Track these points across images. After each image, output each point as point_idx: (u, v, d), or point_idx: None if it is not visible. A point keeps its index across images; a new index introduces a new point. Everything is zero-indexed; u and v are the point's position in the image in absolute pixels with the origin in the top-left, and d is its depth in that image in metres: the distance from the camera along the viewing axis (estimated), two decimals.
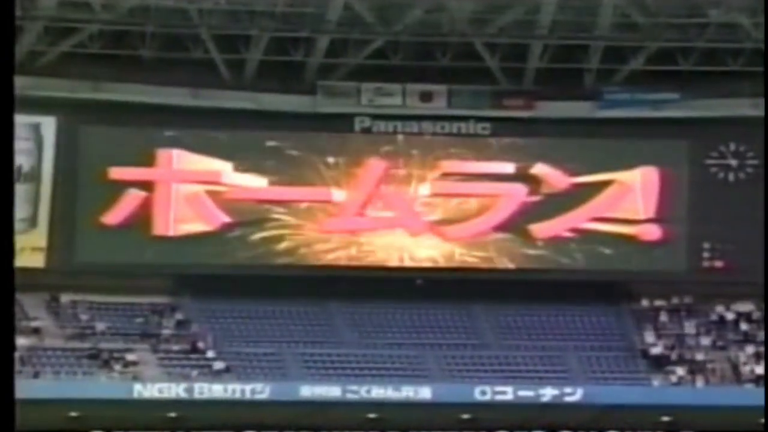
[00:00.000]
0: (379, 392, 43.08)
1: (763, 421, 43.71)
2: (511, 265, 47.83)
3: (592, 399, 43.26)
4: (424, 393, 43.37)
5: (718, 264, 48.13)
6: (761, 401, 43.04)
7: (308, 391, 42.68)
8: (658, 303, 48.61)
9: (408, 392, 43.27)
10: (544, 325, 47.35)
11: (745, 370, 45.54)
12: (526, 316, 47.49)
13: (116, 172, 46.06)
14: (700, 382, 45.39)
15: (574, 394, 43.48)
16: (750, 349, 46.42)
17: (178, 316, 46.28)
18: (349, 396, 42.90)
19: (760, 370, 45.21)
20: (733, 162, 48.21)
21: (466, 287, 47.23)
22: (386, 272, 47.48)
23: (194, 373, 43.55)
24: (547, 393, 43.44)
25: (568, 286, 47.00)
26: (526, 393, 43.53)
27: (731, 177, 48.20)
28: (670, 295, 48.65)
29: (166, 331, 45.48)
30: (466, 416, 44.15)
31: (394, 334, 46.77)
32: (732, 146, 48.22)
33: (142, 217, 46.47)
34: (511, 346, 46.59)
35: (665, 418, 43.96)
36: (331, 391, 42.82)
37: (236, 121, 46.42)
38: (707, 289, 47.86)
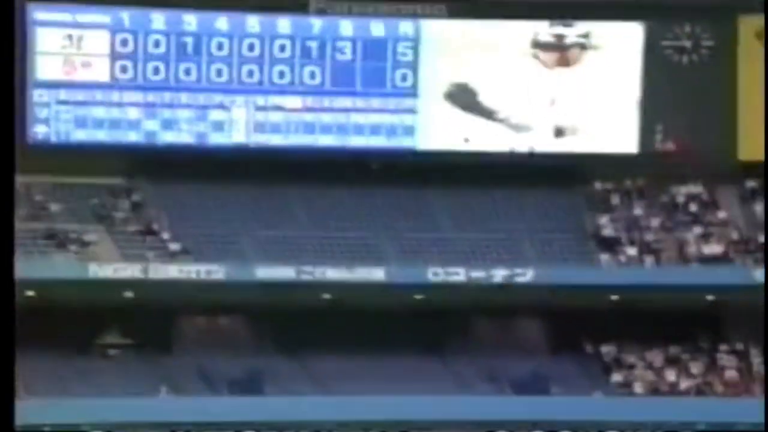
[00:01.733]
0: (333, 274, 43.71)
1: (710, 297, 45.23)
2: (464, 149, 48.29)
3: (542, 279, 44.07)
4: (378, 274, 44.04)
5: (670, 146, 48.86)
6: (706, 280, 44.45)
7: (263, 272, 43.23)
8: (610, 185, 49.42)
9: (362, 273, 43.93)
10: (497, 208, 48.09)
11: (693, 250, 46.64)
12: (478, 199, 48.15)
13: None
14: (649, 263, 46.44)
15: (525, 275, 44.27)
16: (698, 230, 47.51)
17: (134, 197, 46.54)
18: (304, 277, 43.51)
19: (707, 250, 46.38)
20: (687, 44, 48.61)
21: (422, 170, 47.75)
22: (341, 155, 47.81)
23: (150, 254, 43.99)
24: (499, 274, 44.18)
25: (521, 169, 47.61)
26: (478, 274, 44.32)
27: (685, 59, 48.66)
28: (622, 178, 49.43)
29: (121, 213, 45.77)
30: (419, 297, 45.07)
31: (349, 217, 47.28)
32: (687, 28, 48.56)
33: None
34: (463, 228, 47.28)
35: (614, 298, 45.16)
36: (285, 272, 43.36)
37: None
38: (659, 172, 48.65)
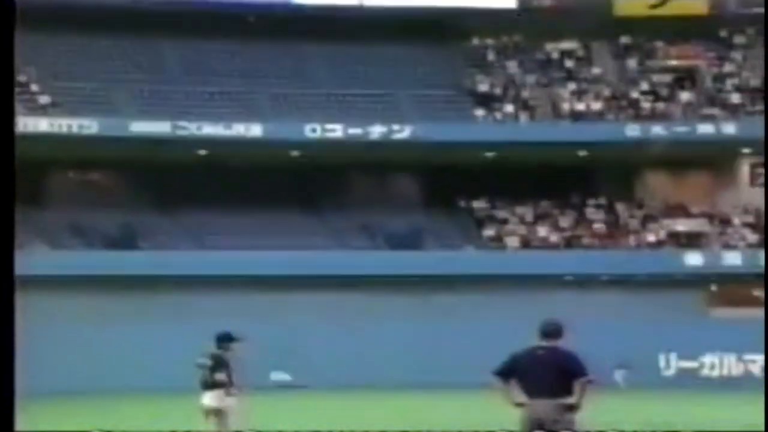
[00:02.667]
0: (209, 129, 43.55)
1: (582, 153, 46.25)
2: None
3: (420, 136, 44.55)
4: (255, 130, 43.99)
5: (547, 2, 49.30)
6: (579, 137, 45.42)
7: (137, 126, 42.84)
8: (488, 41, 49.86)
9: (238, 129, 43.86)
10: (375, 63, 48.20)
11: (566, 107, 47.59)
12: (356, 54, 48.17)
13: None
14: (523, 119, 47.26)
15: (403, 132, 44.73)
16: (572, 86, 48.44)
17: None
18: (179, 132, 43.27)
19: (579, 107, 47.38)
20: None
21: (299, 25, 47.45)
22: (217, 7, 47.16)
23: (19, 107, 43.14)
24: (376, 130, 44.56)
25: (399, 22, 47.63)
26: (355, 130, 44.60)
27: None
28: (500, 34, 49.88)
29: None
30: (296, 153, 45.30)
31: (225, 71, 46.89)
32: None
33: None
34: (341, 84, 47.37)
35: (489, 154, 46.00)
36: (160, 127, 43.04)
37: None
38: (536, 28, 49.17)
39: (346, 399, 32.28)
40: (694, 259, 43.89)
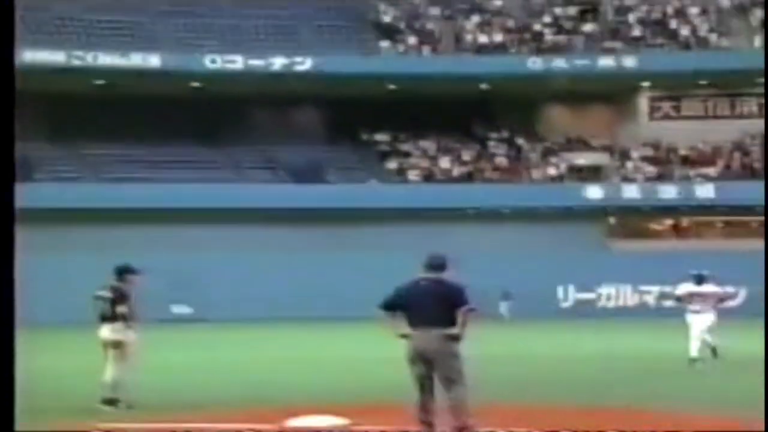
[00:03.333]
0: (105, 59, 43.20)
1: (484, 86, 46.85)
2: None
3: (322, 68, 44.65)
4: (153, 61, 43.72)
5: None
6: (481, 70, 45.97)
7: (30, 56, 42.20)
8: None
9: (136, 60, 43.55)
10: None
11: (469, 39, 48.03)
12: None
13: None
14: (426, 51, 47.61)
15: (305, 64, 44.81)
16: (476, 18, 48.85)
17: None
18: (75, 62, 42.86)
19: (483, 39, 47.86)
20: None
21: None
22: None
23: None
24: (278, 62, 44.59)
25: None
26: (256, 62, 44.56)
27: None
28: None
29: None
30: (196, 85, 45.16)
31: (123, 0, 46.40)
32: None
33: None
34: (243, 14, 47.16)
35: (391, 87, 46.36)
36: (55, 57, 42.57)
37: None
38: None
39: (248, 332, 32.72)
40: (593, 192, 44.99)
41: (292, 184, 45.24)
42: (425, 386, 10.47)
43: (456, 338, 10.41)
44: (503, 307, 40.33)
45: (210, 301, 40.21)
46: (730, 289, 21.53)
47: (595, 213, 44.96)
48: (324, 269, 41.63)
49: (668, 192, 44.69)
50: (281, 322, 35.88)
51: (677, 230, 47.41)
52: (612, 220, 46.41)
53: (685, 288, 20.88)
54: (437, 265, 10.70)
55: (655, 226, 47.56)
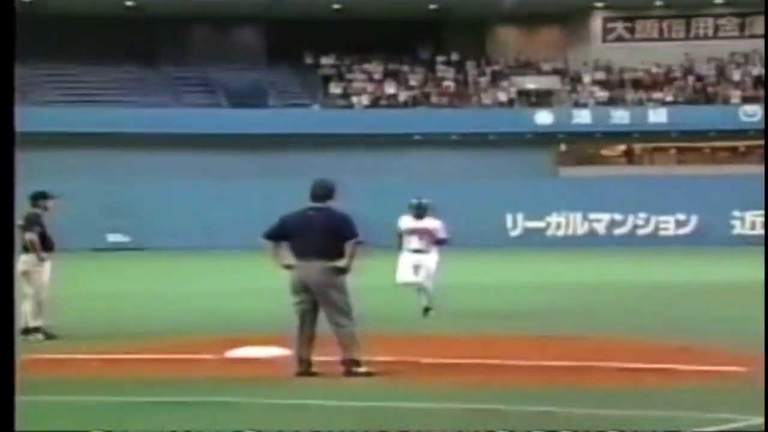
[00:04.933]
0: None
1: (433, 7, 46.63)
2: None
3: None
4: None
5: None
6: None
7: None
8: None
9: None
10: None
11: None
12: None
13: None
14: None
15: None
16: None
17: None
18: None
19: None
20: None
21: None
22: None
23: None
24: None
25: None
26: None
27: None
28: None
29: None
30: (130, 3, 44.57)
31: None
32: None
33: None
34: None
35: (336, 6, 46.03)
36: None
37: None
38: None
39: (186, 261, 32.74)
40: (544, 117, 45.17)
41: (231, 109, 45.00)
42: (306, 319, 10.33)
43: (342, 271, 10.26)
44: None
45: (147, 230, 40.09)
46: (442, 232, 16.63)
47: (545, 139, 45.19)
48: (264, 197, 41.37)
49: (620, 117, 44.99)
50: (221, 252, 35.89)
51: (629, 156, 47.79)
52: (562, 146, 46.69)
53: (405, 222, 16.71)
54: (323, 193, 10.51)
55: (606, 152, 47.91)
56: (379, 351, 10.94)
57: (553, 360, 11.31)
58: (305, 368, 10.34)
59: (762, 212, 37.58)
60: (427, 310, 16.22)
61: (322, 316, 10.47)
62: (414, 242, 16.52)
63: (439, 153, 44.47)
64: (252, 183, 41.81)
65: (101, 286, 21.38)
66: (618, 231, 42.00)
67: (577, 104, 46.40)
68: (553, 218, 42.89)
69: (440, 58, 48.50)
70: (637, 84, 47.21)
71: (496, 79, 47.85)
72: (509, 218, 42.93)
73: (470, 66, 48.28)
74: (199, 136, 42.27)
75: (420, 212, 16.59)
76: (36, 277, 13.95)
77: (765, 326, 9.87)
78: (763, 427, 7.32)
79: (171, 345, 12.99)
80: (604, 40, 48.99)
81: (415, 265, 16.34)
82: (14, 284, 5.59)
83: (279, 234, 10.62)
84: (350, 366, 10.26)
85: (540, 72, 48.40)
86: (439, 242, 16.63)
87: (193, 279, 26.20)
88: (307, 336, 10.38)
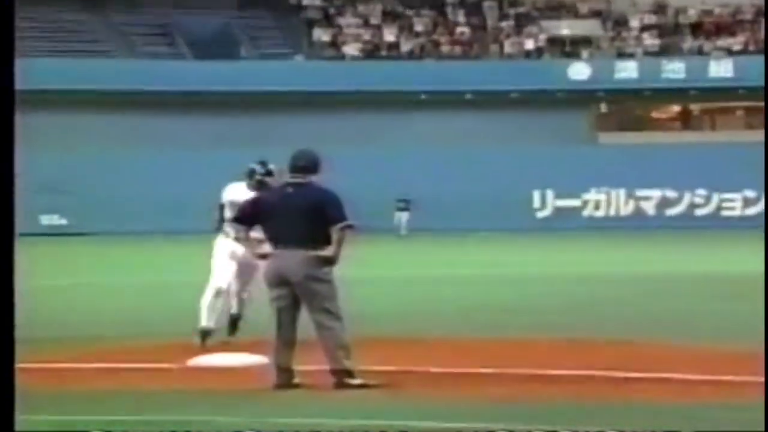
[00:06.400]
0: None
1: None
2: None
3: None
4: None
5: None
6: None
7: None
8: None
9: None
10: None
11: None
12: None
13: None
14: None
15: None
16: None
17: None
18: None
19: None
20: None
21: None
22: None
23: None
24: None
25: None
26: None
27: None
28: None
29: None
30: None
31: None
32: None
33: None
34: None
35: None
36: None
37: None
38: None
39: (134, 248, 32.83)
40: (579, 71, 45.17)
41: (195, 61, 45.02)
42: (285, 319, 10.26)
43: (329, 261, 10.13)
44: (397, 219, 40.66)
45: (89, 211, 40.15)
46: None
47: (581, 97, 45.24)
48: (234, 170, 41.58)
49: (675, 70, 44.96)
50: (180, 236, 35.94)
51: (685, 119, 47.91)
52: (603, 106, 46.75)
53: (234, 192, 13.50)
54: (305, 165, 10.32)
55: (657, 114, 48.00)
56: (376, 358, 10.93)
57: (592, 369, 11.30)
58: (285, 379, 10.32)
59: None
60: (234, 323, 13.56)
61: (305, 316, 10.46)
62: None
63: (450, 115, 44.60)
64: (219, 152, 41.75)
65: (34, 280, 21.39)
66: (671, 211, 42.08)
67: (622, 54, 46.43)
68: (591, 195, 43.02)
69: None
70: (696, 29, 47.21)
71: (521, 23, 47.88)
72: (536, 196, 43.06)
73: (489, 8, 48.31)
74: (155, 94, 42.33)
75: (260, 181, 13.26)
76: None
77: (765, 327, 9.89)
78: None
79: (122, 352, 12.99)
80: None
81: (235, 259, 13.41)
82: (14, 285, 5.78)
83: (251, 216, 10.55)
84: (341, 377, 10.23)
85: (576, 14, 48.44)
86: None
87: (146, 270, 26.24)
88: (286, 340, 10.32)
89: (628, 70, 45.31)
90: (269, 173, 13.23)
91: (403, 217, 40.93)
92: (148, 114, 42.73)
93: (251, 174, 13.49)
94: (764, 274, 11.40)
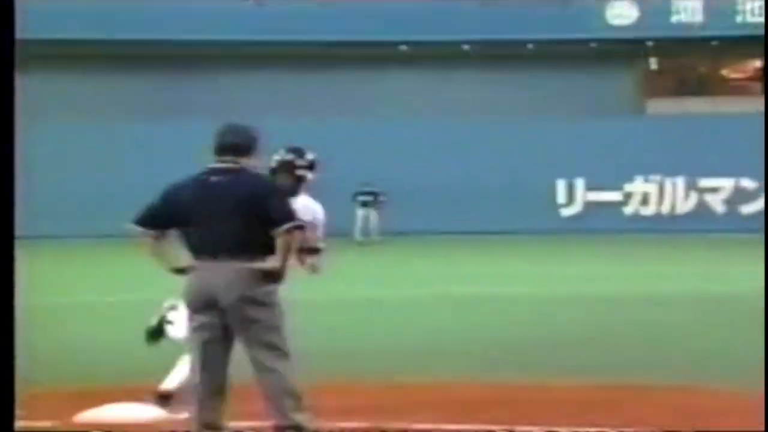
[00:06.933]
0: None
1: None
2: None
3: None
4: None
5: None
6: None
7: None
8: None
9: None
10: None
11: None
12: None
13: None
14: None
15: None
16: None
17: None
18: None
19: None
20: None
21: None
22: None
23: None
24: None
25: None
26: None
27: None
28: None
29: None
30: None
31: None
32: None
33: None
34: None
35: None
36: None
37: None
38: None
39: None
40: (621, 12, 45.29)
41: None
42: (211, 357, 10.06)
43: (272, 277, 9.95)
44: (363, 218, 40.93)
45: None
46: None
47: (624, 50, 45.45)
48: (157, 146, 41.79)
49: (755, 12, 45.08)
50: (68, 240, 36.16)
51: None
52: (653, 62, 46.93)
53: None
54: (237, 145, 10.13)
55: (729, 72, 48.15)
56: (339, 411, 10.94)
57: (632, 426, 11.35)
58: None
59: None
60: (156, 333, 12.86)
61: (239, 352, 10.39)
62: None
63: (443, 73, 44.76)
64: (139, 124, 42.12)
65: None
66: (747, 208, 42.24)
67: None
68: (637, 186, 43.30)
69: None
70: None
71: None
72: (561, 186, 43.33)
73: None
74: (53, 44, 42.36)
75: (299, 176, 12.03)
76: None
77: (765, 326, 10.00)
78: None
79: None
80: None
81: None
82: (14, 286, 6.49)
83: (161, 217, 10.23)
84: None
85: None
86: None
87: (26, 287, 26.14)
88: (213, 386, 10.23)
89: (689, 12, 45.38)
90: (311, 166, 11.98)
91: (370, 215, 41.04)
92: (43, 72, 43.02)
93: (285, 166, 11.86)
94: (764, 284, 11.51)
